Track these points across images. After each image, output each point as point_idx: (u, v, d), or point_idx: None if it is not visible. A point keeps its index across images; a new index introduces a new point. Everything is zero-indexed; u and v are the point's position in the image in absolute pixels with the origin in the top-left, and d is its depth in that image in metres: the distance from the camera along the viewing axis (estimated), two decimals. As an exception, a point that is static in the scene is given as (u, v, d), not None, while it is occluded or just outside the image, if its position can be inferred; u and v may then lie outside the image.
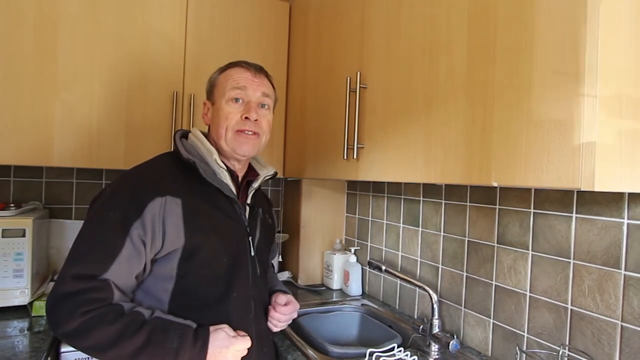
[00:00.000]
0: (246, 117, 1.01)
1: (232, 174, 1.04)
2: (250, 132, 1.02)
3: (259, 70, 1.07)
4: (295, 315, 1.13)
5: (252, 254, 1.04)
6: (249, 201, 1.09)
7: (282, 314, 1.08)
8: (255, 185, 1.10)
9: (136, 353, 0.81)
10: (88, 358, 1.25)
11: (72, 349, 1.13)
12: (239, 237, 1.01)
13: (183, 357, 0.83)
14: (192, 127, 1.12)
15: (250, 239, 1.04)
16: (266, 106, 1.06)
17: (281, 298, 1.11)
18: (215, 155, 1.00)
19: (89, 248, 0.86)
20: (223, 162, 1.01)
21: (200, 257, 0.92)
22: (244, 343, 0.90)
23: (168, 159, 1.01)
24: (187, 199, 0.92)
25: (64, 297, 0.82)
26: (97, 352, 0.82)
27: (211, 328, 0.89)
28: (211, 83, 1.08)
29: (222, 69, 1.07)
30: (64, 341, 0.84)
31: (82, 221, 0.92)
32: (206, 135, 1.06)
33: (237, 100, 1.02)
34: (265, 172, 1.12)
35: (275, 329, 1.10)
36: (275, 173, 1.15)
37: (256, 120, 1.02)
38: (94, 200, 0.94)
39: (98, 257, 0.85)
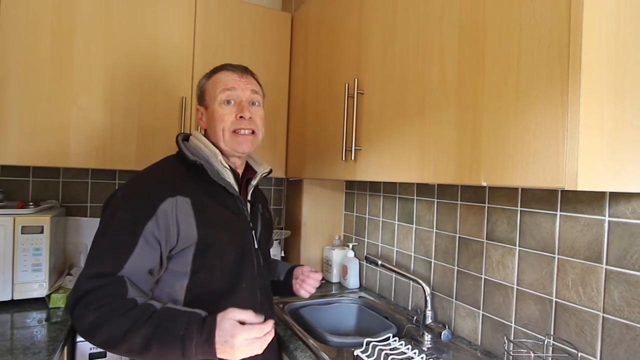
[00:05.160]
0: (241, 117, 1.01)
1: (234, 172, 1.04)
2: (246, 131, 1.02)
3: (244, 70, 1.06)
4: (319, 284, 1.20)
5: (256, 246, 1.05)
6: (249, 198, 1.09)
7: (314, 280, 1.16)
8: (254, 182, 1.11)
9: (146, 343, 0.79)
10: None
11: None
12: (244, 232, 1.02)
13: (190, 344, 0.78)
14: (199, 130, 1.12)
15: (253, 233, 1.05)
16: (257, 103, 1.06)
17: (307, 267, 1.20)
18: (220, 157, 1.00)
19: (104, 249, 0.86)
20: (226, 162, 1.02)
21: (212, 252, 0.93)
22: (249, 332, 0.80)
23: (174, 161, 1.01)
24: (195, 198, 0.93)
25: (81, 296, 0.81)
26: (112, 347, 0.81)
27: (218, 317, 0.81)
28: (201, 89, 1.08)
29: (209, 75, 1.07)
30: (86, 338, 0.82)
31: (97, 219, 0.92)
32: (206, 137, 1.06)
33: (229, 101, 1.02)
34: (262, 170, 1.13)
35: (306, 295, 1.17)
36: (271, 170, 1.15)
37: (250, 117, 1.02)
38: (106, 202, 0.93)
39: (112, 256, 0.84)
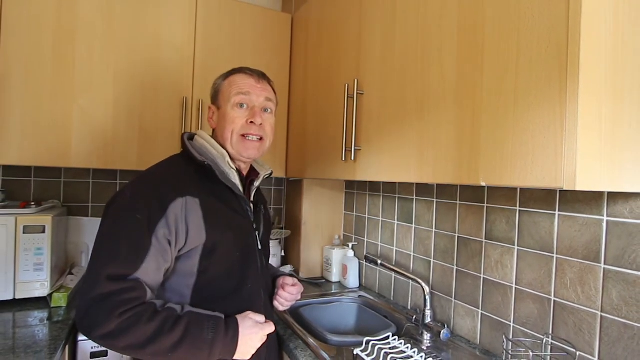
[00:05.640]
0: (251, 122, 1.01)
1: (239, 174, 1.04)
2: (255, 137, 1.02)
3: (261, 76, 1.06)
4: (299, 297, 1.16)
5: (260, 247, 1.05)
6: (251, 199, 1.09)
7: (289, 294, 1.12)
8: (257, 184, 1.11)
9: (175, 346, 0.80)
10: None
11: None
12: (248, 233, 1.01)
13: (217, 346, 0.84)
14: (200, 130, 1.11)
15: (257, 234, 1.05)
16: (269, 110, 1.06)
17: (288, 280, 1.15)
18: (228, 158, 1.00)
19: (119, 249, 0.83)
20: (232, 164, 1.01)
21: (218, 253, 0.92)
22: (269, 328, 0.92)
23: (181, 161, 0.99)
24: (204, 199, 0.91)
25: (99, 299, 0.78)
26: (135, 350, 0.80)
27: (238, 317, 0.90)
28: (215, 88, 1.07)
29: (226, 75, 1.06)
30: (99, 343, 0.79)
31: (98, 218, 0.91)
32: (214, 137, 1.06)
33: (242, 105, 1.01)
34: (264, 172, 1.13)
35: (281, 308, 1.14)
36: (272, 172, 1.15)
37: (260, 124, 1.02)
38: (112, 201, 0.89)
39: (128, 258, 0.82)
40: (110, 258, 0.82)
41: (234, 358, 0.87)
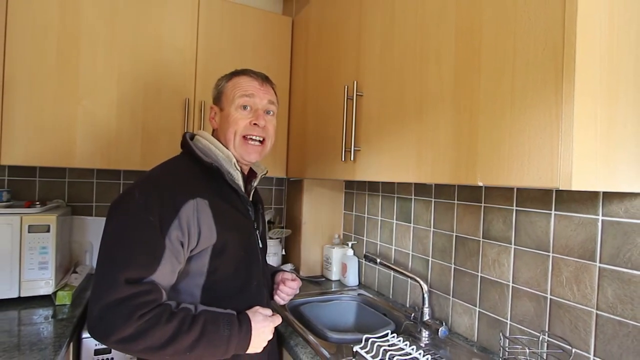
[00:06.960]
0: (255, 124, 1.01)
1: (243, 175, 1.04)
2: (257, 141, 1.02)
3: (265, 79, 1.06)
4: (298, 291, 1.18)
5: (261, 245, 1.06)
6: (250, 198, 1.10)
7: (290, 288, 1.14)
8: (255, 184, 1.11)
9: (193, 345, 0.80)
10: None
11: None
12: (250, 232, 1.02)
13: (233, 342, 0.86)
14: (201, 130, 1.11)
15: (257, 233, 1.05)
16: (271, 112, 1.06)
17: (288, 275, 1.17)
18: (234, 161, 1.00)
19: (134, 252, 0.80)
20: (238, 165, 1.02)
21: (227, 253, 0.92)
22: (277, 320, 0.96)
23: (187, 161, 0.98)
24: (212, 200, 0.91)
25: (117, 304, 0.76)
26: (153, 352, 0.78)
27: (249, 313, 0.93)
28: (219, 89, 1.06)
29: (229, 77, 1.05)
30: (115, 347, 0.78)
31: (102, 218, 0.91)
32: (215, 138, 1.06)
33: (245, 107, 1.01)
34: (260, 171, 1.13)
35: (281, 302, 1.16)
36: (267, 171, 1.15)
37: (264, 126, 1.02)
38: (119, 202, 0.86)
39: (145, 260, 0.80)
40: (126, 261, 0.79)
41: (247, 352, 0.89)
